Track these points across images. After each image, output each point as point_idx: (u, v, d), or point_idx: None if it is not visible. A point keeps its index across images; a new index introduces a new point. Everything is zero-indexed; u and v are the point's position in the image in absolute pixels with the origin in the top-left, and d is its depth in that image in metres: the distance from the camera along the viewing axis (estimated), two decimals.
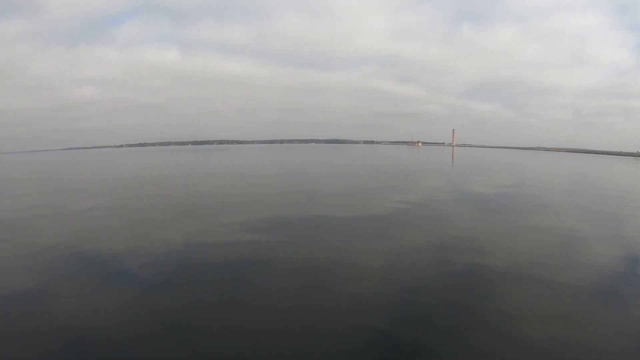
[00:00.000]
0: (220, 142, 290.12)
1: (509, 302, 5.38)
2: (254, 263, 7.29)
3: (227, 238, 9.18)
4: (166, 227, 10.49)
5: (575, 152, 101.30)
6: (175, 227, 10.33)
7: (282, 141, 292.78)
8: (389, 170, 31.86)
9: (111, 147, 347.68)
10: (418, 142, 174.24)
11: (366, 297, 5.61)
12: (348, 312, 5.19)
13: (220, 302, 5.52)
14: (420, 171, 32.36)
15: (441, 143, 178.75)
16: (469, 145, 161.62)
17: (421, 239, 8.76)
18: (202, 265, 7.22)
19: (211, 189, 19.25)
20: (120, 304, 5.65)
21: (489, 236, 9.06)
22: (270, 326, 4.84)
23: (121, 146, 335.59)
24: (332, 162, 44.73)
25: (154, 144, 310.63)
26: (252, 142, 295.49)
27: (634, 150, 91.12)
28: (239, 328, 4.79)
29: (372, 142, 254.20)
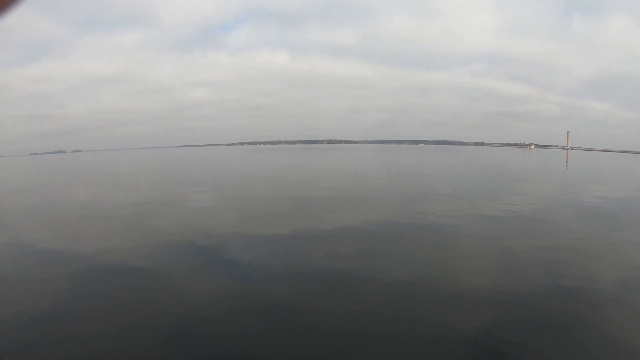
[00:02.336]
0: (329, 141, 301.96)
1: (617, 329, 4.80)
2: (359, 261, 7.58)
3: (336, 235, 9.57)
4: (276, 221, 11.20)
5: None
6: (285, 222, 11.01)
7: (390, 142, 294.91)
8: (499, 174, 31.13)
9: (223, 145, 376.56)
10: (530, 144, 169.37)
11: (469, 302, 5.60)
12: (449, 316, 5.19)
13: (325, 304, 5.58)
14: (531, 176, 30.90)
15: (554, 146, 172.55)
16: (585, 149, 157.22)
17: (528, 247, 8.68)
18: (306, 262, 7.48)
19: (323, 187, 20.63)
20: (226, 295, 5.98)
21: (601, 251, 8.54)
22: (372, 330, 4.82)
23: (233, 144, 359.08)
24: (442, 165, 44.51)
25: (264, 143, 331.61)
26: (361, 142, 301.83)
27: None
28: (338, 331, 4.81)
29: (482, 143, 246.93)
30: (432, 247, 8.72)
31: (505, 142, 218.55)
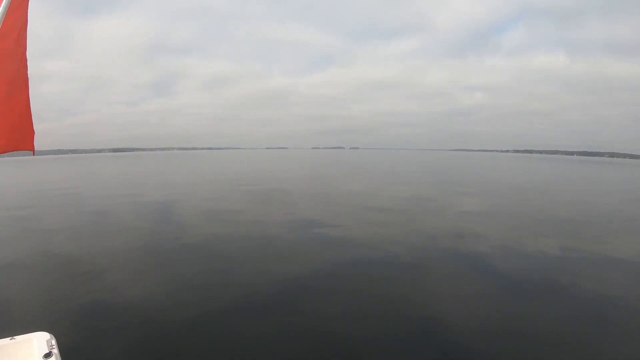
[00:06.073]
0: (611, 154, 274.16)
1: None
2: (623, 292, 6.66)
3: (606, 261, 8.49)
4: (545, 235, 10.68)
5: None
6: (554, 238, 10.40)
7: None
8: None
9: (497, 151, 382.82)
10: None
11: None
12: None
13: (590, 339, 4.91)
14: None
15: None
16: None
17: None
18: (568, 288, 6.81)
19: (604, 204, 18.21)
20: (478, 306, 5.85)
21: None
22: None
23: (507, 151, 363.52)
24: None
25: (540, 152, 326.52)
26: None
27: None
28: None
29: None
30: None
31: None
